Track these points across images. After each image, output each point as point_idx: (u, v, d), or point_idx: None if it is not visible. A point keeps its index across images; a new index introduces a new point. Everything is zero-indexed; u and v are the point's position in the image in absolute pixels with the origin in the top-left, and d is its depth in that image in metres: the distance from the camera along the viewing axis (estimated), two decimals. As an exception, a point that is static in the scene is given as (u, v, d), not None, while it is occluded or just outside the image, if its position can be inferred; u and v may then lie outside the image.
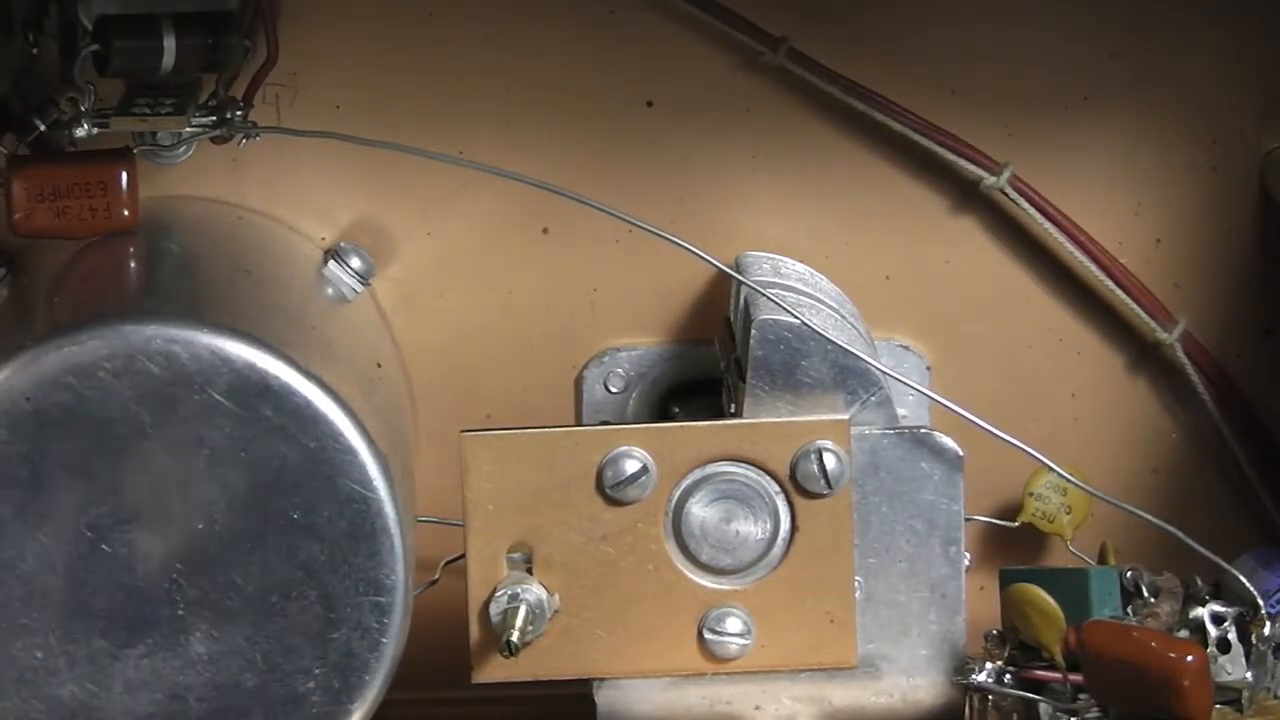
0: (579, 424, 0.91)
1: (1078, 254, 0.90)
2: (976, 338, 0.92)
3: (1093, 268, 0.90)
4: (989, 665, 0.78)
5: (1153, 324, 0.91)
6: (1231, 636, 0.77)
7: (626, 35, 0.90)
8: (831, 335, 0.77)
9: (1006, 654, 0.78)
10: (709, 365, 0.89)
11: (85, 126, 0.81)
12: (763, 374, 0.77)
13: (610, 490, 0.76)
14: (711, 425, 0.77)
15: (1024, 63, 0.91)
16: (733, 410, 0.80)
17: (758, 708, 0.79)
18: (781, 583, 0.77)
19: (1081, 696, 0.76)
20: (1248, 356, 0.92)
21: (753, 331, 0.77)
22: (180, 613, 0.72)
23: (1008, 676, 0.78)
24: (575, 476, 0.76)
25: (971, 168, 0.90)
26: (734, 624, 0.77)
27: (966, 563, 0.79)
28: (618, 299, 0.92)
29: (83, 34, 0.81)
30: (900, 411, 0.80)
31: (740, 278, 0.82)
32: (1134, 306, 0.91)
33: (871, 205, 0.92)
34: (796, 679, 0.79)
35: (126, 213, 0.80)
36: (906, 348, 0.92)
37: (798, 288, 0.83)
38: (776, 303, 0.78)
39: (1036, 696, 0.77)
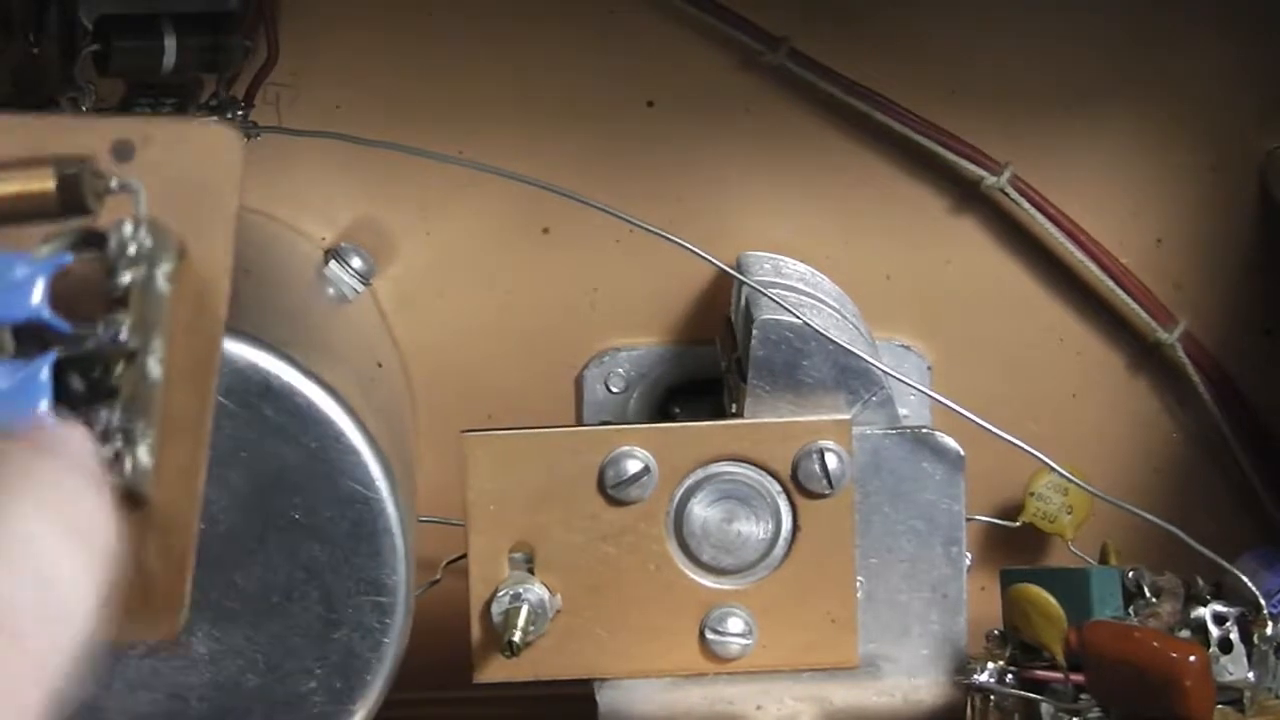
0: (580, 424, 0.91)
1: (1078, 254, 0.90)
2: (977, 338, 0.92)
3: (1093, 268, 0.90)
4: (990, 665, 0.78)
5: (1153, 324, 0.91)
6: (1233, 636, 0.77)
7: (626, 35, 0.90)
8: (833, 335, 0.77)
9: (1008, 654, 0.78)
10: (709, 365, 0.89)
11: (85, 126, 0.81)
12: (764, 374, 0.77)
13: (611, 490, 0.76)
14: (713, 425, 0.77)
15: (1024, 63, 0.91)
16: (734, 410, 0.80)
17: (759, 708, 0.79)
18: (783, 583, 0.77)
19: (1083, 697, 0.76)
20: (1248, 356, 0.92)
21: (754, 331, 0.77)
22: (181, 612, 0.72)
23: (1009, 676, 0.78)
24: (576, 476, 0.76)
25: (971, 168, 0.90)
26: (735, 624, 0.77)
27: (968, 563, 0.79)
28: (618, 299, 0.92)
29: (83, 34, 0.81)
30: (901, 411, 0.80)
31: (741, 278, 0.82)
32: (1134, 306, 0.91)
33: (871, 205, 0.92)
34: (798, 679, 0.79)
35: (127, 212, 0.80)
36: (907, 348, 0.92)
37: (799, 288, 0.83)
38: (778, 302, 0.78)
39: (1038, 696, 0.77)
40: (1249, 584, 0.78)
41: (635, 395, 0.91)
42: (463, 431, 0.76)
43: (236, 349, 0.71)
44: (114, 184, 0.47)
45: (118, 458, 0.47)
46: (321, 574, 0.72)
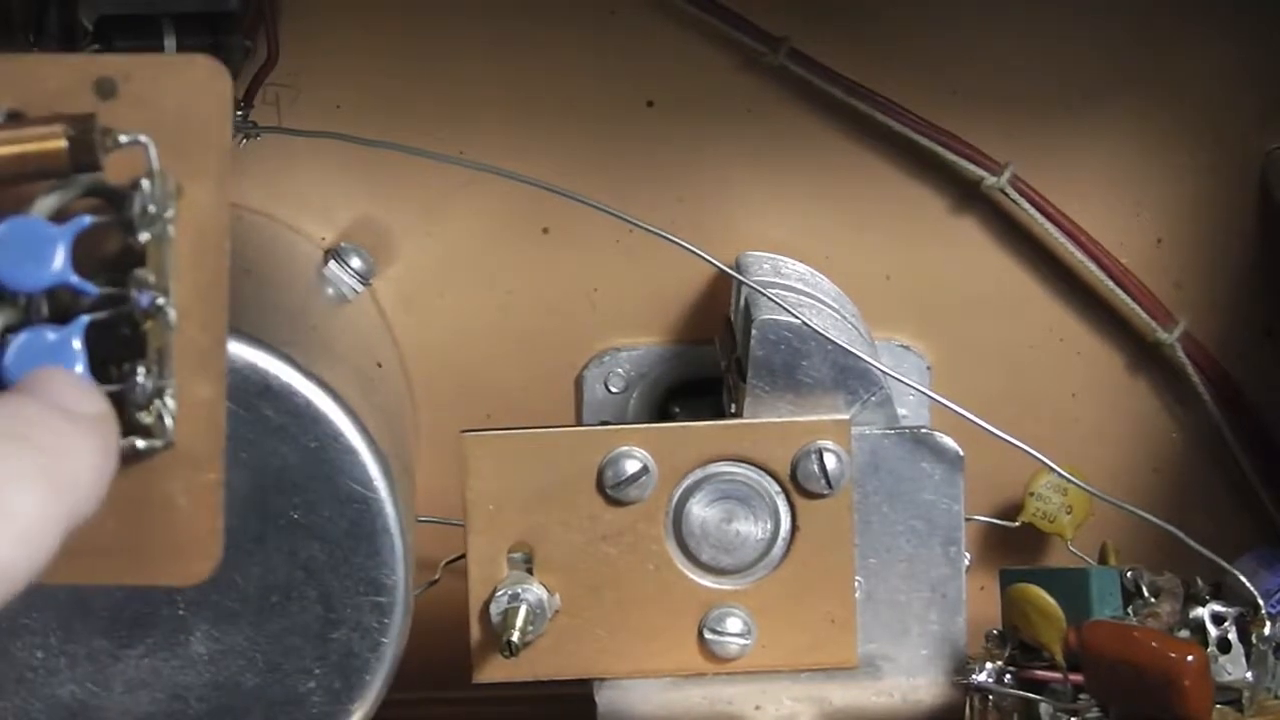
0: (579, 424, 0.91)
1: (1078, 254, 0.90)
2: (977, 338, 0.92)
3: (1093, 268, 0.90)
4: (989, 665, 0.78)
5: (1153, 324, 0.91)
6: (1232, 636, 0.77)
7: (626, 35, 0.90)
8: (832, 335, 0.77)
9: (1007, 654, 0.78)
10: (709, 365, 0.89)
11: (85, 126, 0.81)
12: (763, 374, 0.77)
13: (611, 490, 0.76)
14: (712, 425, 0.77)
15: (1024, 63, 0.91)
16: (733, 410, 0.80)
17: (758, 708, 0.79)
18: (782, 583, 0.77)
19: (1082, 697, 0.76)
20: (1248, 357, 0.92)
21: (753, 331, 0.77)
22: (180, 612, 0.72)
23: (1008, 676, 0.78)
24: (576, 476, 0.76)
25: (972, 168, 0.90)
26: (734, 624, 0.77)
27: (967, 562, 0.79)
28: (618, 299, 0.92)
29: (83, 34, 0.81)
30: (900, 411, 0.80)
31: (741, 278, 0.82)
32: (1134, 306, 0.91)
33: (871, 205, 0.92)
34: (797, 679, 0.79)
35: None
36: (907, 348, 0.92)
37: (798, 288, 0.83)
38: (777, 303, 0.78)
39: (1037, 696, 0.77)
40: (1247, 584, 0.78)
41: (635, 395, 0.91)
42: (463, 431, 0.76)
43: (236, 349, 0.71)
44: (123, 139, 0.48)
45: (159, 418, 0.47)
46: (321, 574, 0.72)
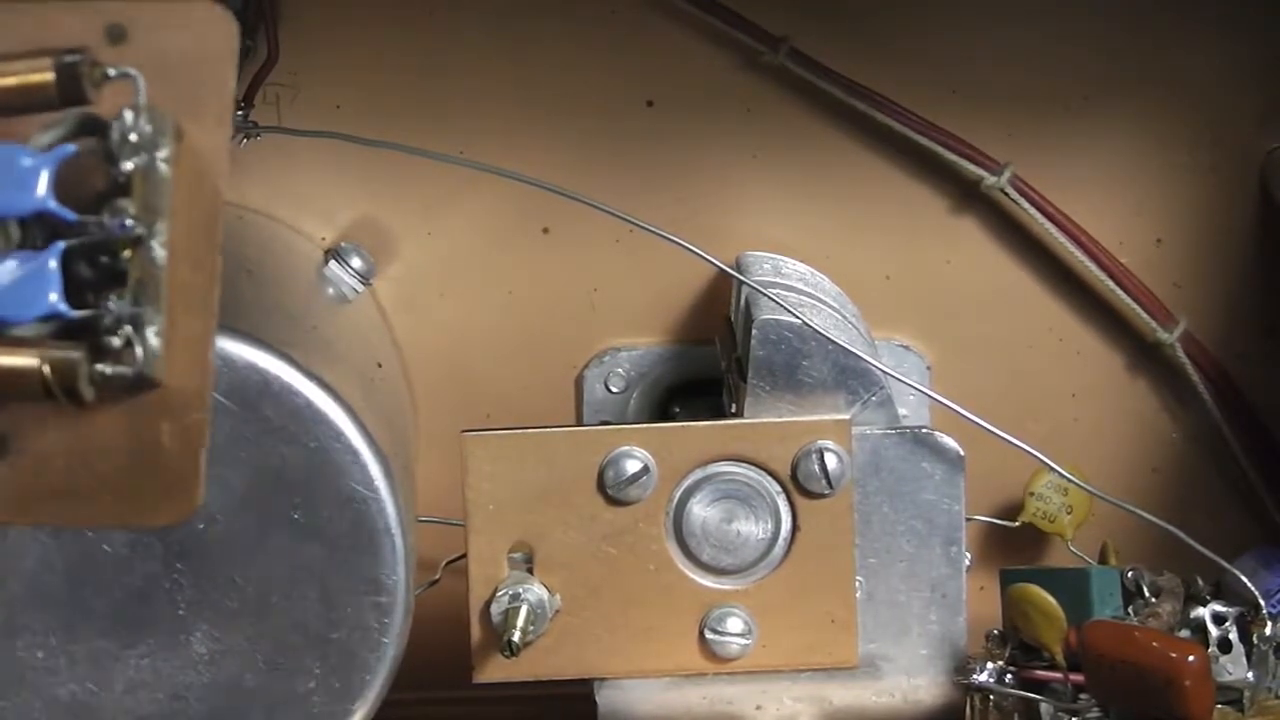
0: (579, 424, 0.91)
1: (1078, 254, 0.90)
2: (977, 338, 0.92)
3: (1093, 268, 0.90)
4: (990, 665, 0.78)
5: (1153, 324, 0.91)
6: (1233, 636, 0.77)
7: (626, 35, 0.90)
8: (833, 335, 0.77)
9: (1007, 654, 0.78)
10: (709, 365, 0.89)
11: (85, 126, 0.81)
12: (764, 374, 0.77)
13: (611, 490, 0.76)
14: (712, 425, 0.77)
15: (1024, 63, 0.91)
16: (734, 410, 0.80)
17: (759, 708, 0.79)
18: (782, 583, 0.77)
19: (1082, 697, 0.76)
20: (1248, 356, 0.92)
21: (754, 331, 0.77)
22: (181, 613, 0.72)
23: (1008, 676, 0.78)
24: (576, 476, 0.76)
25: (972, 168, 0.90)
26: (735, 624, 0.77)
27: (967, 562, 0.79)
28: (618, 299, 0.92)
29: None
30: (901, 411, 0.80)
31: (741, 277, 0.82)
32: (1134, 306, 0.91)
33: (871, 205, 0.92)
34: (797, 679, 0.79)
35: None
36: (907, 347, 0.92)
37: (798, 287, 0.83)
38: (778, 302, 0.78)
39: (1037, 696, 0.77)
40: (1248, 584, 0.78)
41: (635, 395, 0.91)
42: (463, 431, 0.76)
43: (237, 349, 0.71)
44: (111, 72, 0.48)
45: (129, 344, 0.48)
46: (321, 574, 0.72)
